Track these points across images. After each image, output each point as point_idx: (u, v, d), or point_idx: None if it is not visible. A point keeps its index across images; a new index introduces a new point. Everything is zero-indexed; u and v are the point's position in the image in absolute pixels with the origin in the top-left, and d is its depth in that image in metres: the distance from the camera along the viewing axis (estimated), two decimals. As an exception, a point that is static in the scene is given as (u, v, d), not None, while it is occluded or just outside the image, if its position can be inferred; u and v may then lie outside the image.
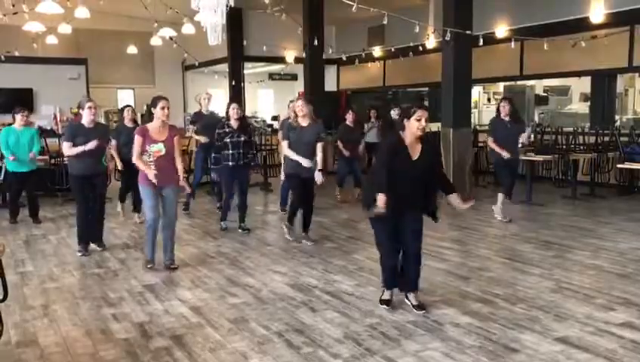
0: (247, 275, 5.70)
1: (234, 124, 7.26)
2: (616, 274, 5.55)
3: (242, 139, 7.24)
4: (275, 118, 16.64)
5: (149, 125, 5.78)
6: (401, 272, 4.64)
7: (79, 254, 6.48)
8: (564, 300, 4.84)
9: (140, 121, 8.52)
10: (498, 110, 7.97)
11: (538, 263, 5.98)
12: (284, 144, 6.90)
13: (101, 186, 6.72)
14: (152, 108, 5.73)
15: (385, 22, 8.32)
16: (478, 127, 13.13)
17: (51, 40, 12.59)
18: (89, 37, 15.96)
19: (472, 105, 13.31)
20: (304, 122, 6.76)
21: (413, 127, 4.31)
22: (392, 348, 3.93)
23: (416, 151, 4.39)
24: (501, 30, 11.71)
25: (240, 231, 7.52)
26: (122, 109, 8.49)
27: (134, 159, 5.75)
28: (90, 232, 6.67)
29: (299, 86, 17.35)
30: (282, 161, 7.83)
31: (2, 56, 12.46)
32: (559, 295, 4.97)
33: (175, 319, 4.53)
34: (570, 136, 10.59)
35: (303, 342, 4.03)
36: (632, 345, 3.92)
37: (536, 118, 14.86)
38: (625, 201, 9.62)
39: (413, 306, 4.57)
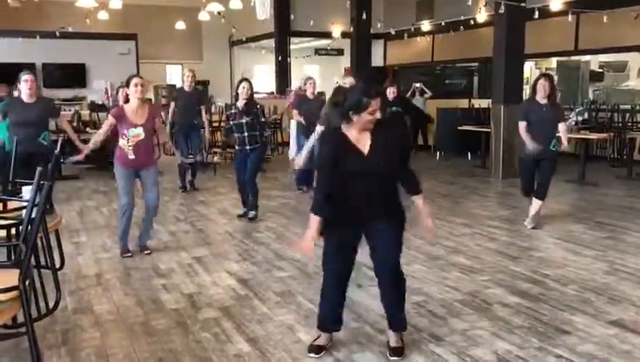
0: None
1: (240, 104, 6.69)
2: (675, 257, 5.35)
3: (244, 120, 6.64)
4: (320, 94, 16.57)
5: (126, 106, 5.34)
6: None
7: None
8: (619, 282, 4.70)
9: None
10: (534, 89, 6.29)
11: (591, 244, 5.81)
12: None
13: (41, 165, 6.24)
14: (125, 88, 5.36)
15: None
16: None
17: (102, 16, 12.81)
18: (138, 13, 16.19)
19: (524, 80, 12.94)
20: None
21: (364, 121, 3.25)
22: (439, 326, 3.90)
23: (366, 145, 3.32)
24: (556, 3, 11.27)
25: (246, 219, 6.93)
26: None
27: (95, 138, 5.52)
28: None
29: (345, 61, 17.22)
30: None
31: (57, 32, 12.77)
32: (613, 277, 4.83)
33: (223, 291, 4.60)
34: (627, 114, 10.20)
35: (349, 317, 4.03)
36: (691, 330, 3.78)
37: (590, 95, 14.35)
38: (684, 182, 9.23)
39: (390, 349, 3.50)
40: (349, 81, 6.82)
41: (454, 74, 16.57)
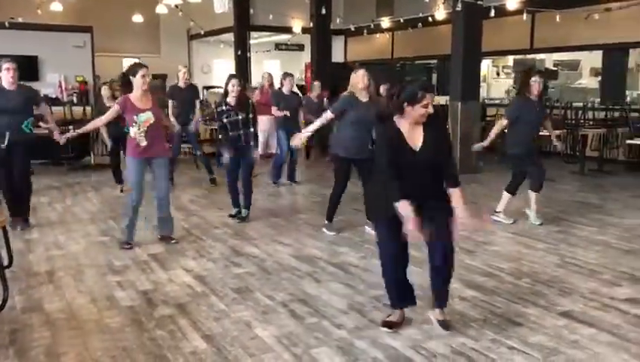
0: (252, 246, 5.69)
1: (232, 101, 6.50)
2: (623, 250, 5.53)
3: (240, 117, 6.45)
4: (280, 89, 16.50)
5: (131, 95, 5.38)
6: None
7: None
8: (569, 275, 4.82)
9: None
10: (527, 87, 6.24)
11: (544, 238, 5.95)
12: (327, 114, 5.98)
13: (22, 154, 6.13)
14: (132, 77, 5.37)
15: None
16: (486, 101, 13.00)
17: (55, 7, 12.45)
18: (93, 5, 15.78)
19: (481, 78, 13.16)
20: (364, 97, 5.81)
21: (418, 114, 3.48)
22: (395, 319, 3.93)
23: (418, 138, 3.55)
24: (512, 1, 11.49)
25: (237, 219, 6.73)
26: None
27: (94, 123, 5.73)
28: (16, 208, 6.25)
29: (305, 57, 17.20)
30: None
31: (7, 23, 12.35)
32: (564, 270, 4.96)
33: (179, 288, 4.54)
34: (580, 111, 10.48)
35: (307, 312, 4.04)
36: (637, 320, 3.91)
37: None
38: (633, 177, 9.55)
39: (439, 322, 3.75)
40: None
41: (414, 71, 16.72)
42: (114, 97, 8.07)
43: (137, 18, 15.36)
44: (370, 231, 6.03)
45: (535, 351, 3.46)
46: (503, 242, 5.87)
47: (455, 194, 3.58)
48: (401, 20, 14.19)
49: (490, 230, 6.16)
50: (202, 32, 15.80)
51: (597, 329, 3.77)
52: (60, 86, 13.65)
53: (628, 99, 11.82)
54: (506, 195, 6.55)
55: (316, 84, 10.43)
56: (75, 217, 6.83)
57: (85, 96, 13.26)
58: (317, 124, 6.12)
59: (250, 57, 16.14)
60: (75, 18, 15.00)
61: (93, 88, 13.42)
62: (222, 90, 11.22)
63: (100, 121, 5.88)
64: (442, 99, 12.33)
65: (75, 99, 12.93)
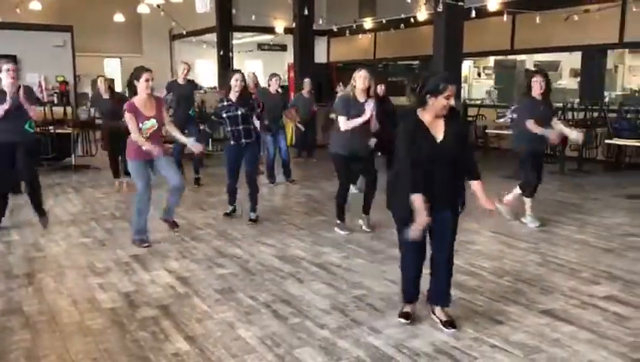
0: (235, 246, 5.68)
1: (233, 96, 6.38)
2: (602, 249, 5.61)
3: (239, 112, 6.33)
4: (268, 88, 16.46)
5: (136, 100, 5.41)
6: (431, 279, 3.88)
7: None
8: (550, 274, 4.88)
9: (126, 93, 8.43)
10: (529, 87, 6.33)
11: (525, 237, 6.01)
12: (342, 120, 5.82)
13: (28, 154, 6.08)
14: (135, 81, 5.40)
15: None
16: (467, 101, 13.10)
17: (35, 5, 12.32)
18: (74, 4, 15.66)
19: (462, 79, 13.26)
20: (362, 97, 5.82)
21: (440, 105, 3.51)
22: (378, 318, 3.95)
23: (439, 131, 3.60)
24: (493, 3, 11.60)
25: (248, 220, 6.64)
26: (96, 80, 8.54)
27: (134, 136, 5.41)
28: (34, 207, 6.31)
29: (288, 57, 17.20)
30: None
31: (-16, 22, 12.20)
32: (545, 269, 5.01)
33: (162, 289, 4.51)
34: (559, 112, 10.57)
35: (290, 313, 4.04)
36: (615, 317, 3.97)
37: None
38: (612, 177, 9.68)
39: (442, 323, 3.80)
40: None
41: (397, 71, 16.79)
42: (110, 88, 8.15)
43: (119, 17, 15.25)
44: (339, 231, 6.10)
45: (517, 349, 3.50)
46: (485, 241, 5.92)
47: (476, 185, 3.75)
48: (384, 21, 14.24)
49: (473, 229, 6.21)
50: (184, 32, 15.73)
51: (577, 326, 3.82)
52: (40, 86, 13.44)
53: (606, 99, 11.99)
54: (517, 190, 6.55)
55: (306, 80, 10.84)
56: (55, 218, 6.75)
57: (66, 97, 13.11)
58: (351, 125, 5.81)
59: (232, 57, 16.09)
60: (54, 17, 14.85)
61: (74, 88, 13.28)
62: (204, 91, 11.29)
63: (134, 134, 5.43)
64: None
65: (55, 100, 12.77)
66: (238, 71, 6.71)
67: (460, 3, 9.65)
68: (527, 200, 6.51)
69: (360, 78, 5.76)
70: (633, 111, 10.38)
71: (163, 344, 3.57)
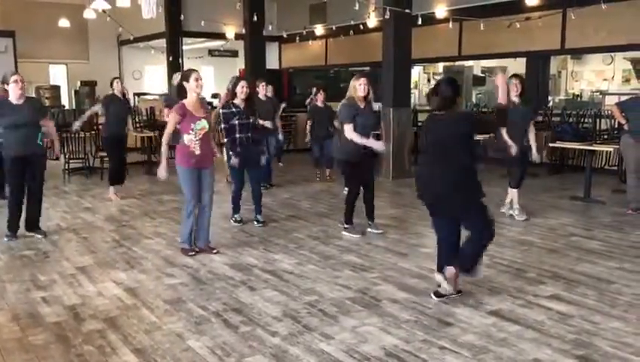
0: (185, 256, 5.59)
1: (240, 104, 6.41)
2: (546, 249, 5.77)
3: (251, 120, 6.44)
4: (215, 96, 16.31)
5: (186, 101, 5.33)
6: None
7: (6, 240, 6.06)
8: (497, 274, 4.99)
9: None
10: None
11: (473, 239, 6.12)
12: (349, 128, 5.86)
13: (39, 167, 6.10)
14: (185, 83, 5.32)
15: (326, -1, 8.25)
16: (418, 107, 13.30)
17: (-26, 10, 11.89)
18: (16, 8, 15.19)
19: (412, 85, 13.45)
20: (362, 103, 5.91)
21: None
22: (329, 324, 3.95)
23: None
24: (440, 10, 11.84)
25: (255, 223, 6.74)
26: (112, 81, 8.37)
27: (164, 141, 5.38)
28: (27, 220, 6.26)
29: (240, 63, 17.10)
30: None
31: None
32: (493, 270, 5.12)
33: (109, 301, 4.40)
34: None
35: (241, 321, 4.00)
36: (559, 316, 4.09)
37: (474, 98, 15.20)
38: (556, 179, 10.00)
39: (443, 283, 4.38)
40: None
41: (348, 77, 16.90)
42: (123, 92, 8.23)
43: (64, 23, 14.88)
44: (350, 235, 6.23)
45: (465, 350, 3.56)
46: (434, 244, 5.98)
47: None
48: (334, 28, 14.34)
49: (423, 233, 6.29)
50: (132, 38, 15.45)
51: (523, 326, 3.92)
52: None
53: (550, 103, 12.39)
54: (511, 191, 7.05)
55: (262, 84, 10.34)
56: (-4, 231, 6.50)
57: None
58: (358, 141, 5.88)
59: (182, 63, 15.89)
60: (-5, 22, 14.38)
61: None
62: (153, 97, 11.10)
63: (166, 135, 5.48)
64: (375, 106, 12.53)
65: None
66: (242, 78, 6.83)
67: (407, 10, 9.81)
68: (513, 192, 7.01)
69: (361, 86, 5.84)
70: (575, 115, 10.76)
71: (110, 357, 3.48)
